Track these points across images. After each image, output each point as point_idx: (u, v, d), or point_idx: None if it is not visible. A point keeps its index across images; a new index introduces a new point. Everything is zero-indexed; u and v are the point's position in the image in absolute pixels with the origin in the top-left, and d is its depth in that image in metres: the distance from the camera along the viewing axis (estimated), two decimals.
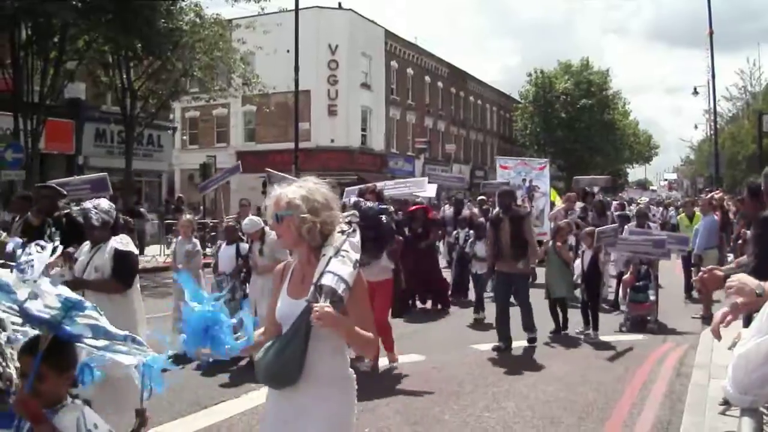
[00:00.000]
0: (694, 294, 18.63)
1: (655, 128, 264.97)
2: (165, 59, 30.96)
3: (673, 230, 20.59)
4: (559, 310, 14.84)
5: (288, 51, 41.16)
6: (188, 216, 14.11)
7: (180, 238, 13.52)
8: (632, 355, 12.69)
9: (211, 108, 54.98)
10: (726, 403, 7.82)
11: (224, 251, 13.12)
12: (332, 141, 56.53)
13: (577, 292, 15.33)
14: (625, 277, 16.59)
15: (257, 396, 9.74)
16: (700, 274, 7.33)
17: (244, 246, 12.71)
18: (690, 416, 8.32)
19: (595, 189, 28.74)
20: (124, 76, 32.05)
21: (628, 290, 16.15)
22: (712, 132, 59.74)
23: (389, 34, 63.79)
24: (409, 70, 67.89)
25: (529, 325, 13.34)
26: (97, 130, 36.88)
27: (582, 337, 14.22)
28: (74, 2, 25.36)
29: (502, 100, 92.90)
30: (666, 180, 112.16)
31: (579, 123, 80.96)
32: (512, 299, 13.52)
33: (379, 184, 16.66)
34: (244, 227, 12.39)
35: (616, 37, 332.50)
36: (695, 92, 64.47)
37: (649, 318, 15.53)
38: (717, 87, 62.75)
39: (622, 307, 16.65)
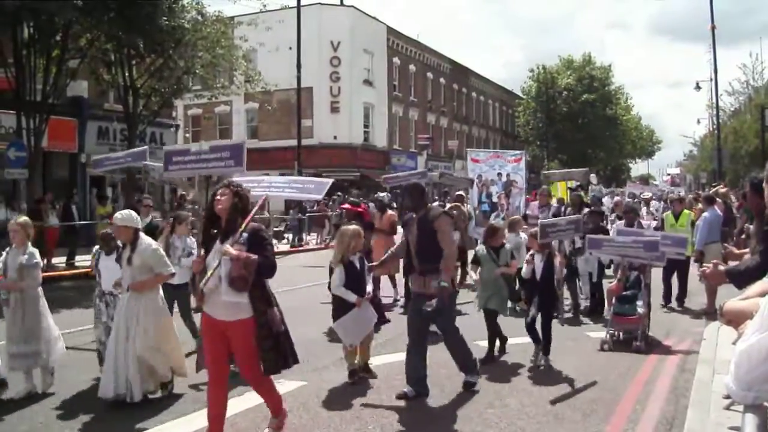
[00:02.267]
0: (673, 304, 17.44)
1: (658, 123, 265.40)
2: (167, 57, 30.93)
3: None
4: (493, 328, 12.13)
5: (290, 48, 41.32)
6: (20, 218, 10.50)
7: (13, 246, 10.15)
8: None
9: (214, 105, 55.08)
10: (730, 398, 7.82)
11: (103, 264, 10.67)
12: (335, 138, 56.71)
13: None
14: (611, 285, 13.99)
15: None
16: (703, 268, 7.37)
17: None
18: (694, 412, 8.31)
19: (592, 185, 27.20)
20: (127, 74, 32.03)
21: (614, 300, 13.42)
22: (714, 127, 59.66)
23: (391, 31, 63.95)
24: (412, 67, 68.03)
25: (465, 364, 10.16)
26: (99, 128, 36.87)
27: (537, 362, 11.49)
28: (76, 0, 25.33)
29: (505, 95, 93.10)
30: (669, 175, 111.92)
31: (581, 118, 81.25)
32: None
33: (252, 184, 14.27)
34: (114, 219, 9.85)
35: (618, 32, 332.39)
36: (698, 87, 64.45)
37: (637, 334, 12.76)
38: (719, 82, 62.47)
39: (606, 315, 14.14)
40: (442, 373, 10.61)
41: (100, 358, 10.19)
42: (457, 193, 22.77)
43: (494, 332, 12.10)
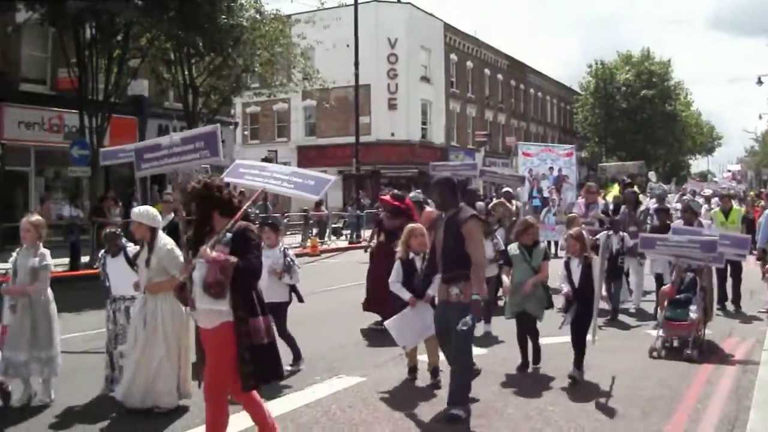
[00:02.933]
0: (729, 306, 16.74)
1: (718, 119, 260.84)
2: (226, 55, 31.20)
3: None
4: (526, 335, 11.03)
5: (347, 45, 41.32)
6: (32, 217, 9.73)
7: (24, 247, 9.56)
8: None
9: (272, 103, 55.38)
10: None
11: (110, 267, 9.95)
12: (392, 135, 56.71)
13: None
14: (664, 287, 13.20)
15: (321, 389, 9.92)
16: (767, 266, 7.33)
17: (133, 249, 9.68)
18: (757, 413, 8.18)
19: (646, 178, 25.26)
20: (186, 73, 32.38)
21: (666, 304, 12.53)
22: None
23: (448, 27, 63.83)
24: (469, 63, 67.85)
25: (457, 395, 8.62)
26: (159, 126, 37.26)
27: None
28: (137, 1, 25.68)
29: (563, 91, 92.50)
30: (729, 171, 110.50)
31: (640, 114, 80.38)
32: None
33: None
34: (132, 214, 9.34)
35: (677, 27, 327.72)
36: (759, 82, 63.45)
37: (689, 341, 11.78)
38: None
39: (658, 319, 12.91)
40: (500, 370, 10.61)
41: (107, 364, 9.65)
42: (504, 189, 21.90)
43: (527, 341, 10.95)
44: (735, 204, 19.59)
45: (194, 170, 11.05)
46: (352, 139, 43.82)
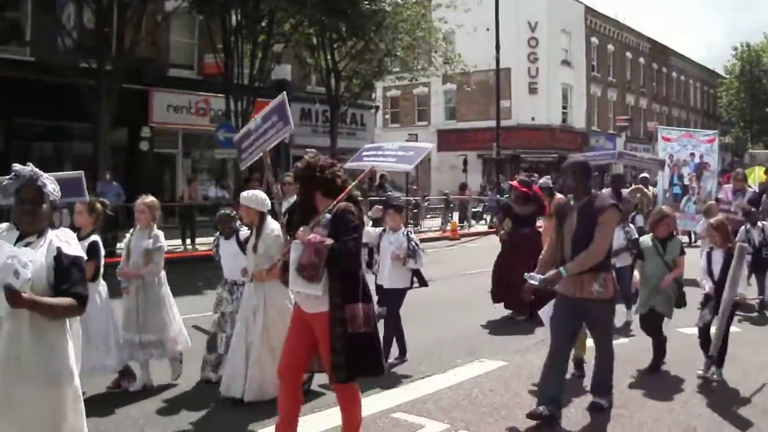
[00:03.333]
0: None
1: None
2: (368, 40, 31.50)
3: None
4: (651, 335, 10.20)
5: (488, 29, 41.29)
6: (147, 198, 9.58)
7: (137, 228, 9.55)
8: None
9: (412, 87, 55.66)
10: None
11: (223, 249, 9.81)
12: (533, 119, 56.31)
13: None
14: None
15: (462, 372, 9.92)
16: None
17: (245, 233, 9.32)
18: None
19: None
20: (329, 57, 32.83)
21: None
22: None
23: (589, 10, 62.89)
24: (610, 46, 66.73)
25: (601, 384, 8.34)
26: (302, 109, 37.89)
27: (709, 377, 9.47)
28: None
29: (706, 75, 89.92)
30: None
31: None
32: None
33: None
34: (241, 199, 8.94)
35: None
36: None
37: None
38: None
39: None
40: (643, 359, 10.34)
41: (208, 347, 9.47)
42: (642, 175, 21.66)
43: (658, 342, 10.05)
44: None
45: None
46: (492, 123, 43.71)
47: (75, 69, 24.72)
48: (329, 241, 6.20)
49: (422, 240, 16.26)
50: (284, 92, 9.21)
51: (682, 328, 11.03)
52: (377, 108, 47.99)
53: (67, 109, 25.62)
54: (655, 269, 9.91)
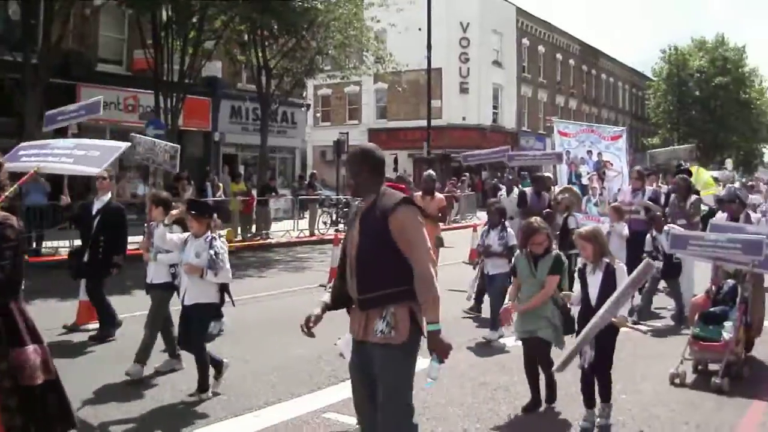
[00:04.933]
0: None
1: None
2: (300, 38, 31.40)
3: None
4: (536, 366, 8.51)
5: (420, 29, 41.37)
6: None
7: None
8: None
9: (344, 86, 55.57)
10: None
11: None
12: (463, 119, 56.58)
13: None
14: (696, 297, 11.25)
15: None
16: None
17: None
18: None
19: (686, 164, 22.33)
20: (260, 55, 32.66)
21: (696, 319, 10.18)
22: None
23: (521, 11, 63.52)
24: (541, 48, 67.45)
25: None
26: (232, 107, 37.64)
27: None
28: None
29: (635, 77, 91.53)
30: None
31: (713, 101, 79.04)
32: None
33: None
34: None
35: (754, 11, 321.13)
36: None
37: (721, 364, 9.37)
38: None
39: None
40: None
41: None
42: (546, 175, 20.51)
43: (537, 373, 8.48)
44: None
45: None
46: (422, 123, 43.87)
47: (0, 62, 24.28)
48: None
49: None
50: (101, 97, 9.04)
51: None
52: (308, 106, 47.84)
53: None
54: (530, 290, 8.43)
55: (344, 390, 8.88)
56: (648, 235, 13.68)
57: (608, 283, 7.63)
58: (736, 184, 29.44)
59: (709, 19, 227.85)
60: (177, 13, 27.40)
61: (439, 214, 15.10)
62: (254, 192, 29.37)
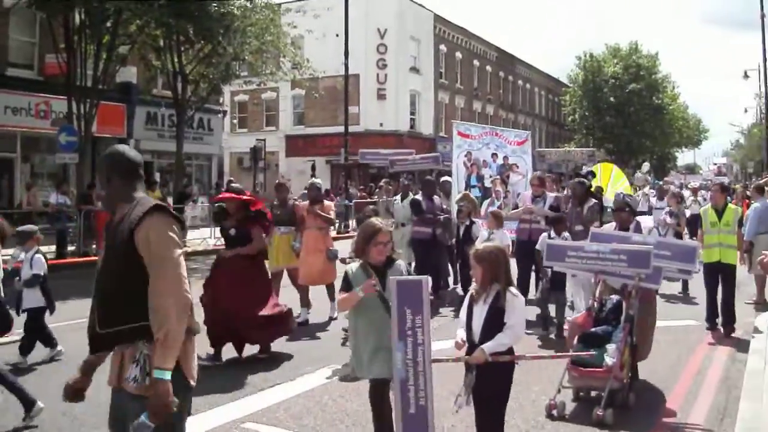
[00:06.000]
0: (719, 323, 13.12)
1: (705, 112, 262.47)
2: (216, 43, 31.09)
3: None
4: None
5: (337, 35, 41.31)
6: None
7: None
8: (685, 341, 12.31)
9: (261, 92, 55.24)
10: None
11: None
12: (381, 125, 56.66)
13: None
14: (575, 315, 10.39)
15: (312, 379, 9.94)
16: (761, 258, 7.31)
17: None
18: (747, 402, 8.24)
19: (586, 167, 21.44)
20: (176, 60, 32.31)
21: (575, 341, 9.06)
22: (762, 116, 59.06)
23: (438, 18, 63.85)
24: (458, 54, 67.90)
25: None
26: (148, 113, 37.25)
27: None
28: None
29: (551, 83, 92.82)
30: (715, 164, 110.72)
31: (627, 107, 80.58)
32: None
33: None
34: None
35: (667, 19, 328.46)
36: (746, 75, 64.02)
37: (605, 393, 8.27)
38: None
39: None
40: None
41: None
42: (444, 179, 19.88)
43: (381, 413, 6.93)
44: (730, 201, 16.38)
45: None
46: (340, 129, 43.78)
47: None
48: None
49: None
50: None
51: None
52: (225, 112, 47.57)
53: None
54: (375, 314, 6.74)
55: (265, 399, 8.94)
56: (544, 234, 12.83)
57: (493, 319, 6.17)
58: (647, 189, 29.98)
59: (623, 28, 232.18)
60: (90, 16, 26.92)
61: (330, 218, 14.75)
62: (170, 199, 29.04)
